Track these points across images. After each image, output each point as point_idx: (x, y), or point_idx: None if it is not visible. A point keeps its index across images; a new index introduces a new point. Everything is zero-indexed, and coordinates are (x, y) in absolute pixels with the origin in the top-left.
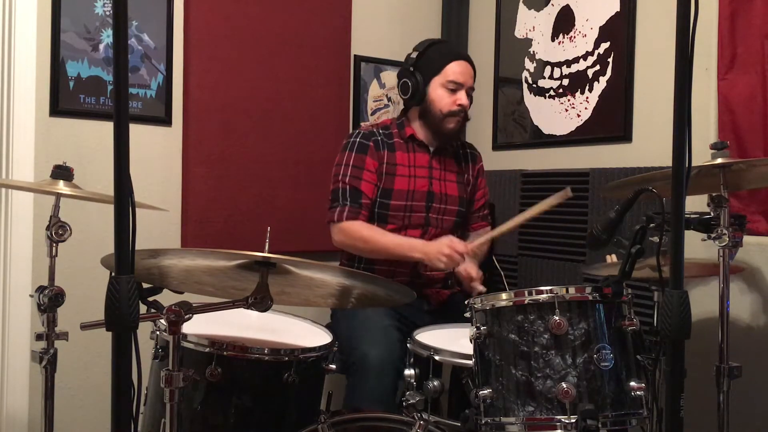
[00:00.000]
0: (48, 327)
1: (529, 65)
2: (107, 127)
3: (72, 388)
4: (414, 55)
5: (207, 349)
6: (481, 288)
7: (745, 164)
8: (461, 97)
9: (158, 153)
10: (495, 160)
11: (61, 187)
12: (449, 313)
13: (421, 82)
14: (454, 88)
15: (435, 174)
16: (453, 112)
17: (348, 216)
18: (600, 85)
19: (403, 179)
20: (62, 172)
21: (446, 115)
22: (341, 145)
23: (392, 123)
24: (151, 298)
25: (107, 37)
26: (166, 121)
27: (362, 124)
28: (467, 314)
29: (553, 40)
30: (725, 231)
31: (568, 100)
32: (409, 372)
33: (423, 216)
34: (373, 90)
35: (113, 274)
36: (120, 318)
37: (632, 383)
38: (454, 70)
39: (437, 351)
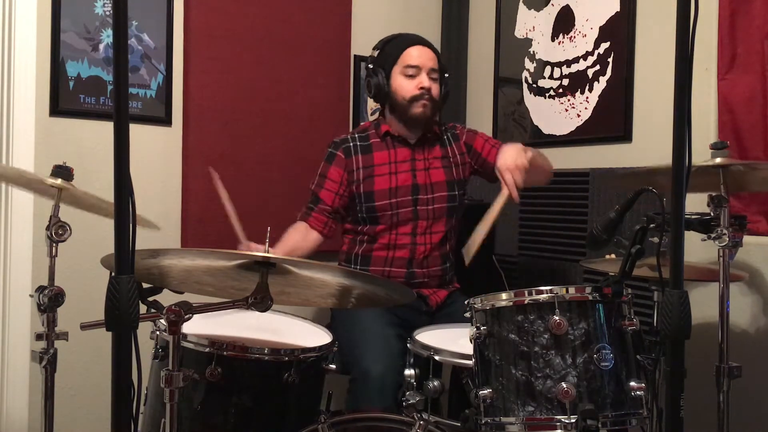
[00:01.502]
0: (48, 327)
1: (529, 65)
2: (107, 127)
3: (72, 388)
4: (374, 53)
5: (207, 349)
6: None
7: (746, 167)
8: (422, 80)
9: (158, 153)
10: None
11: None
12: (448, 314)
13: (383, 77)
14: (413, 73)
15: (419, 165)
16: (415, 96)
17: (300, 218)
18: (600, 85)
19: (383, 178)
20: (62, 172)
21: (410, 100)
22: None
23: (370, 125)
24: (151, 298)
25: (107, 37)
26: (166, 121)
27: (362, 123)
28: (467, 314)
29: (553, 40)
30: (725, 231)
31: (568, 100)
32: (409, 372)
33: (410, 210)
34: None
35: (113, 274)
36: (120, 318)
37: (632, 383)
38: (410, 54)
39: (437, 351)
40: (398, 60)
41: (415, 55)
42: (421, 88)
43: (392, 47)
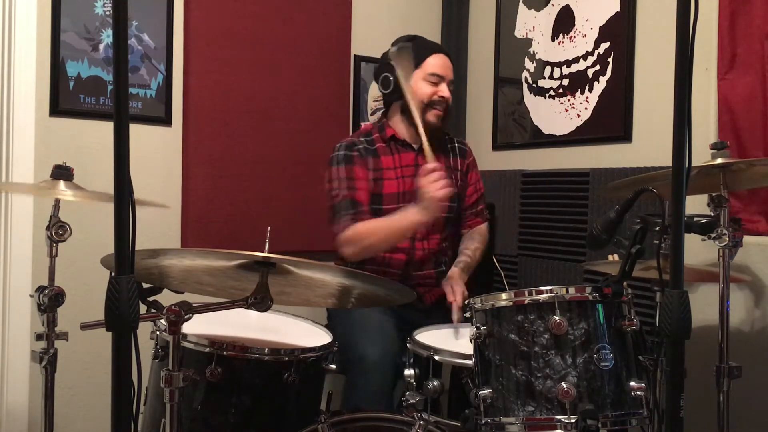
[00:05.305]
0: (48, 327)
1: (529, 65)
2: (107, 127)
3: (72, 388)
4: (393, 50)
5: (207, 349)
6: (457, 315)
7: (745, 164)
8: (442, 89)
9: (158, 153)
10: (495, 160)
11: (61, 187)
12: (443, 312)
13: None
14: (435, 81)
15: None
16: (434, 102)
17: (344, 226)
18: (600, 85)
19: (392, 182)
20: (62, 172)
21: (427, 105)
22: (327, 161)
23: (373, 127)
24: (151, 298)
25: (107, 37)
26: (166, 121)
27: (362, 124)
28: (467, 314)
29: (553, 40)
30: (725, 231)
31: (568, 100)
32: (409, 372)
33: None
34: (373, 90)
35: (113, 274)
36: (120, 318)
37: (632, 383)
38: (435, 62)
39: (437, 351)
40: (422, 65)
41: (439, 63)
42: (441, 96)
43: (415, 49)
